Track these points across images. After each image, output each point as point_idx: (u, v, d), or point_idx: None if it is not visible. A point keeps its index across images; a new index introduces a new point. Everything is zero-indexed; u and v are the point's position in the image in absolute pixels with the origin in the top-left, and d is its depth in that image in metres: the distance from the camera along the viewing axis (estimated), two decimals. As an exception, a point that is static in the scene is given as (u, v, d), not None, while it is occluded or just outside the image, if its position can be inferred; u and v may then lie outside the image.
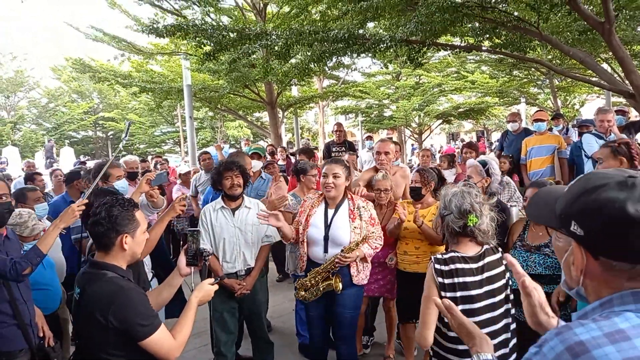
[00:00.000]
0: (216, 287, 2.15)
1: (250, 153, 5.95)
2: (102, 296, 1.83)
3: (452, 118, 21.10)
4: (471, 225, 2.13)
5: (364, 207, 3.27)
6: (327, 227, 3.19)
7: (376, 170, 4.17)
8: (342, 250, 3.09)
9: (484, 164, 5.90)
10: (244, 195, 3.57)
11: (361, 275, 3.24)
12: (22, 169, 9.58)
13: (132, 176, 5.29)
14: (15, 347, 2.64)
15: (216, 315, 3.48)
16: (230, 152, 7.81)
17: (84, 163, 11.55)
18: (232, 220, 3.45)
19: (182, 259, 2.21)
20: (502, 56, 10.27)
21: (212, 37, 6.87)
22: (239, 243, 3.43)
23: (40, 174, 6.37)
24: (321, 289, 3.17)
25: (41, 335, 2.86)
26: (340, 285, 3.11)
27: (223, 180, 3.44)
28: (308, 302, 3.27)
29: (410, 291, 3.56)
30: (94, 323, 1.81)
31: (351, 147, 7.78)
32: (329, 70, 17.24)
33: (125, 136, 3.57)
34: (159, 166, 9.21)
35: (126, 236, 1.95)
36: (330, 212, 3.23)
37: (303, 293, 3.27)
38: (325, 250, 3.18)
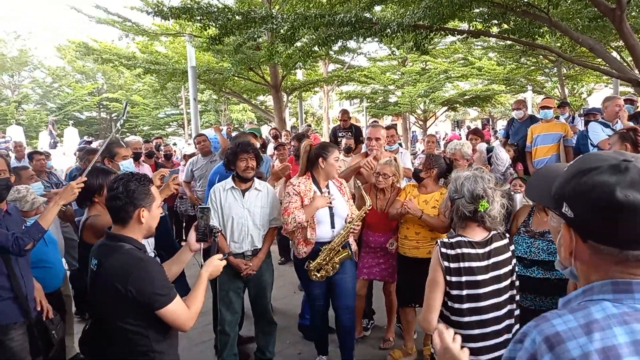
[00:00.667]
0: (224, 262, 2.22)
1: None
2: (121, 267, 1.90)
3: (457, 105, 20.97)
4: (482, 210, 2.11)
5: (344, 182, 3.64)
6: (330, 203, 3.38)
7: (366, 156, 4.20)
8: (348, 222, 3.41)
9: (490, 150, 5.87)
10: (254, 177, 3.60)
11: (354, 244, 3.59)
12: (10, 150, 9.47)
13: (135, 157, 5.30)
14: (10, 320, 2.67)
15: (222, 294, 3.52)
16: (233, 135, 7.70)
17: (89, 142, 11.55)
18: (241, 201, 3.47)
19: (192, 235, 2.27)
20: (510, 42, 10.14)
21: (217, 19, 6.78)
22: (247, 224, 3.45)
23: (40, 153, 6.32)
24: (338, 264, 3.38)
25: (39, 309, 2.89)
26: (352, 251, 3.44)
27: (238, 161, 3.44)
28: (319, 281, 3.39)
29: (410, 275, 3.60)
30: (113, 293, 1.88)
31: (358, 132, 7.68)
32: (334, 54, 17.08)
33: (123, 116, 3.58)
34: (162, 147, 9.20)
35: (143, 210, 2.01)
36: (325, 190, 3.43)
37: (318, 274, 3.35)
38: (333, 226, 3.40)
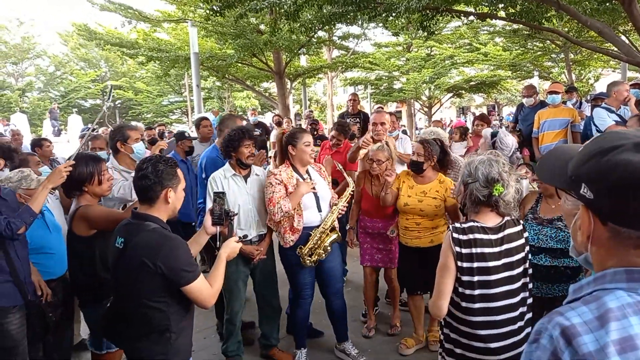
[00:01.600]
0: (241, 244, 2.30)
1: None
2: (150, 243, 1.97)
3: (463, 91, 20.80)
4: (496, 195, 2.05)
5: (322, 166, 3.65)
6: (313, 188, 3.37)
7: (373, 141, 4.20)
8: (334, 205, 3.42)
9: (494, 135, 5.79)
10: None
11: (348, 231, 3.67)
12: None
13: None
14: (10, 303, 2.65)
15: (230, 285, 3.44)
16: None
17: (93, 130, 11.52)
18: (244, 188, 3.43)
19: (207, 219, 2.33)
20: (517, 27, 9.97)
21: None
22: (253, 210, 3.44)
23: (48, 140, 6.33)
24: (329, 247, 3.37)
25: (39, 293, 2.87)
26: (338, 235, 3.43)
27: (242, 147, 3.37)
28: (309, 268, 3.38)
29: (410, 264, 3.61)
30: (140, 269, 1.95)
31: (366, 119, 7.56)
32: (338, 40, 16.89)
33: (109, 99, 3.60)
34: (166, 134, 9.18)
35: (170, 190, 2.10)
36: (306, 176, 3.43)
37: (311, 258, 3.34)
38: (320, 210, 3.40)
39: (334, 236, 3.39)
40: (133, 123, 6.09)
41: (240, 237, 2.35)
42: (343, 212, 3.47)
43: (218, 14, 7.35)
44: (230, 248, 2.23)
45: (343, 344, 3.68)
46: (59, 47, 31.72)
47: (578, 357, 0.77)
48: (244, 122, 4.45)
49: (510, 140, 4.96)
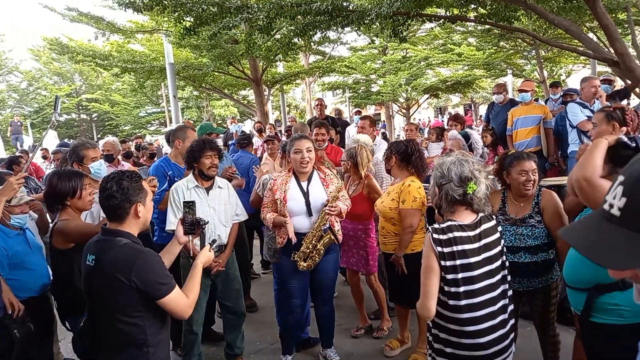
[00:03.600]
0: (213, 253, 2.34)
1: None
2: (123, 259, 1.96)
3: (439, 92, 21.06)
4: (470, 192, 2.12)
5: (331, 174, 3.51)
6: (306, 194, 3.35)
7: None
8: (325, 205, 3.30)
9: (466, 136, 5.93)
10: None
11: (340, 233, 3.53)
12: None
13: (108, 158, 5.17)
14: None
15: None
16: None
17: (68, 145, 11.34)
18: (206, 200, 3.40)
19: (179, 229, 2.33)
20: (488, 26, 10.15)
21: (191, 11, 6.66)
22: (214, 222, 3.39)
23: (24, 157, 6.25)
24: (322, 249, 3.34)
25: (10, 311, 2.84)
26: (336, 236, 3.37)
27: (203, 158, 3.35)
28: (304, 271, 3.36)
29: (380, 267, 3.67)
30: (114, 286, 1.94)
31: (334, 123, 7.62)
32: (314, 45, 16.96)
33: (56, 110, 3.53)
34: (147, 146, 9.09)
35: (139, 204, 2.08)
36: (304, 183, 3.39)
37: (304, 263, 3.33)
38: (310, 215, 3.35)
39: (327, 238, 3.36)
40: (107, 138, 5.97)
41: (210, 243, 2.34)
42: (332, 213, 3.32)
43: (192, 33, 7.28)
44: (205, 256, 2.25)
45: (326, 350, 3.70)
46: (31, 62, 31.10)
47: None
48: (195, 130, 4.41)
49: (479, 137, 5.16)
